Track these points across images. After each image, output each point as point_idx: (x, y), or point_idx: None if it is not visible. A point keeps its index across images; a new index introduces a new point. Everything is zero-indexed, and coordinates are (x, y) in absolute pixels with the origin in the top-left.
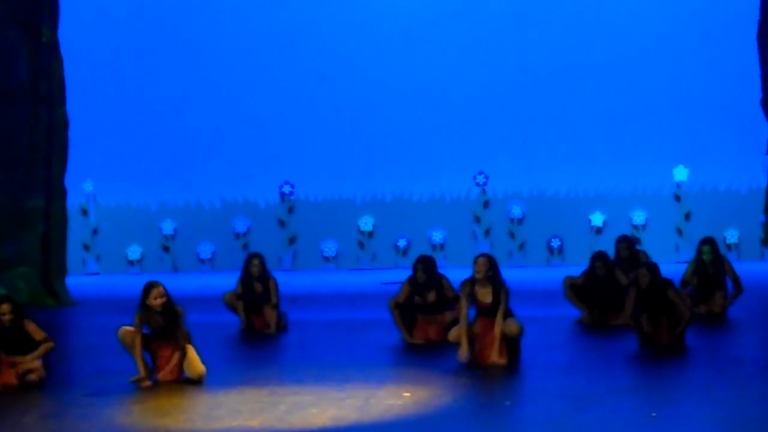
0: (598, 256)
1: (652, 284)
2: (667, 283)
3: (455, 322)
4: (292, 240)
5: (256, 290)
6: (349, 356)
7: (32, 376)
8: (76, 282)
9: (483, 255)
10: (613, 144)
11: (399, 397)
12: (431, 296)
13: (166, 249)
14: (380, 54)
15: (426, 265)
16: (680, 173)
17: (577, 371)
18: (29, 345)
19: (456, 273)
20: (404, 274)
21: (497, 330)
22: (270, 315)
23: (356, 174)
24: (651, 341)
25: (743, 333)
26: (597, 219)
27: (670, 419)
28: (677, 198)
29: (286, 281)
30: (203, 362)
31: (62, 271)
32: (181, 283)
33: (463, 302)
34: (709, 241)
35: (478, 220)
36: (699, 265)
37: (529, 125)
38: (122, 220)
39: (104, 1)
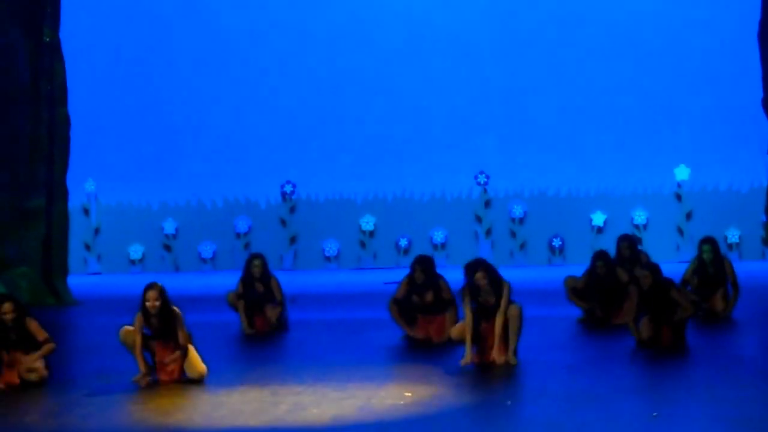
0: (599, 256)
1: (654, 285)
2: (670, 283)
3: (455, 323)
4: (293, 239)
5: (257, 290)
6: (350, 356)
7: (33, 376)
8: (77, 281)
9: (479, 269)
10: (614, 143)
11: (400, 397)
12: (429, 296)
13: (167, 248)
14: (381, 54)
15: (424, 265)
16: (681, 173)
17: (578, 370)
18: (31, 344)
19: (457, 273)
20: (406, 274)
21: (498, 327)
22: (272, 313)
23: (357, 173)
24: (648, 346)
25: (744, 332)
26: (598, 218)
27: (671, 419)
28: (678, 197)
29: (288, 281)
30: (204, 362)
31: (64, 270)
32: (183, 283)
33: (468, 313)
34: (709, 241)
35: (479, 219)
36: (699, 265)
37: (530, 125)
38: (124, 219)
39: (106, 1)
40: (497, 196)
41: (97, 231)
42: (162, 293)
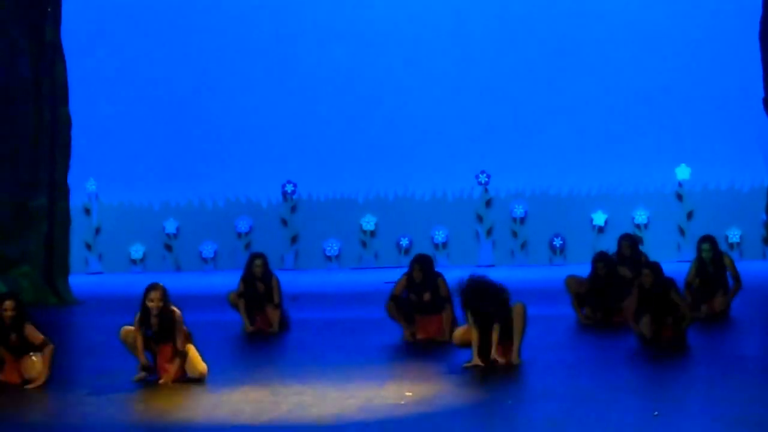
0: (599, 258)
1: (655, 284)
2: (670, 283)
3: (452, 321)
4: (294, 239)
5: (258, 290)
6: (351, 355)
7: (34, 374)
8: (78, 281)
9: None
10: (615, 143)
11: (401, 396)
12: (426, 295)
13: (168, 248)
14: (382, 53)
15: (423, 264)
16: (682, 172)
17: (579, 370)
18: (27, 346)
19: (458, 272)
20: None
21: (495, 332)
22: (272, 314)
23: (359, 173)
24: (650, 342)
25: (745, 331)
26: (599, 218)
27: (672, 418)
28: (679, 197)
29: (289, 280)
30: (205, 361)
31: (65, 270)
32: (184, 282)
33: (474, 332)
34: (708, 239)
35: (480, 219)
36: (700, 264)
37: (532, 124)
38: (125, 219)
39: (107, 1)
40: (498, 195)
41: (98, 230)
42: (164, 294)
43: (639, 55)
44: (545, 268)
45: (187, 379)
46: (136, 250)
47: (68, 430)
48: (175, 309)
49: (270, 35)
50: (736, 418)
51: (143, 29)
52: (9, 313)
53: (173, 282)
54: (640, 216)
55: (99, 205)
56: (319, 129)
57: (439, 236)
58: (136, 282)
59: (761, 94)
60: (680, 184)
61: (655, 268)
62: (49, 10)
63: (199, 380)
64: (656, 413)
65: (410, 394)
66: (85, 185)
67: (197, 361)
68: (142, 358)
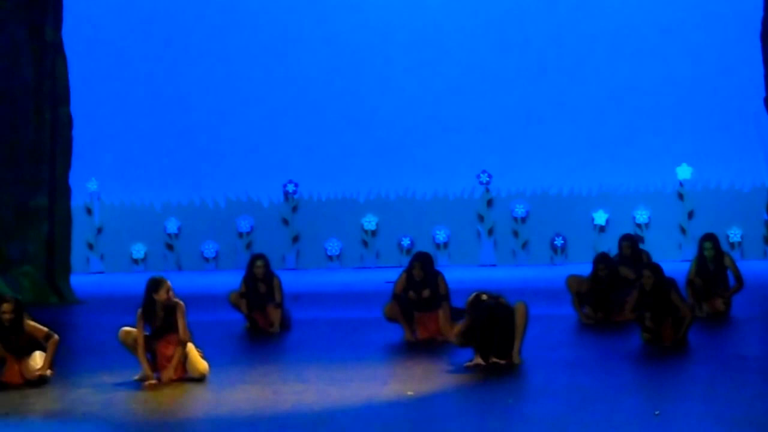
0: (600, 259)
1: (656, 286)
2: (671, 284)
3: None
4: (295, 239)
5: (260, 290)
6: (352, 354)
7: (37, 373)
8: (80, 281)
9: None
10: (616, 142)
11: (402, 395)
12: (426, 293)
13: (170, 248)
14: (384, 53)
15: (423, 263)
16: (683, 171)
17: (580, 369)
18: (30, 345)
19: (459, 272)
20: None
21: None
22: (274, 314)
23: (360, 173)
24: (654, 336)
25: (746, 331)
26: (600, 217)
27: (673, 417)
28: (680, 196)
29: (290, 280)
30: (206, 360)
31: (66, 269)
32: (185, 282)
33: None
34: (710, 237)
35: (481, 218)
36: (701, 263)
37: (533, 124)
38: (126, 218)
39: (108, 1)
40: (499, 195)
41: (99, 230)
42: (170, 286)
43: (640, 54)
44: (546, 268)
45: (188, 379)
46: (138, 250)
47: (69, 429)
48: (178, 301)
49: (272, 35)
50: (737, 418)
51: (144, 29)
52: (8, 316)
53: (174, 281)
54: (641, 215)
55: (100, 205)
56: (321, 129)
57: (441, 236)
58: (137, 281)
59: (762, 93)
60: (681, 184)
61: (656, 269)
62: (50, 9)
63: (200, 379)
64: (657, 412)
65: (411, 393)
66: (86, 185)
67: (198, 361)
68: (144, 360)
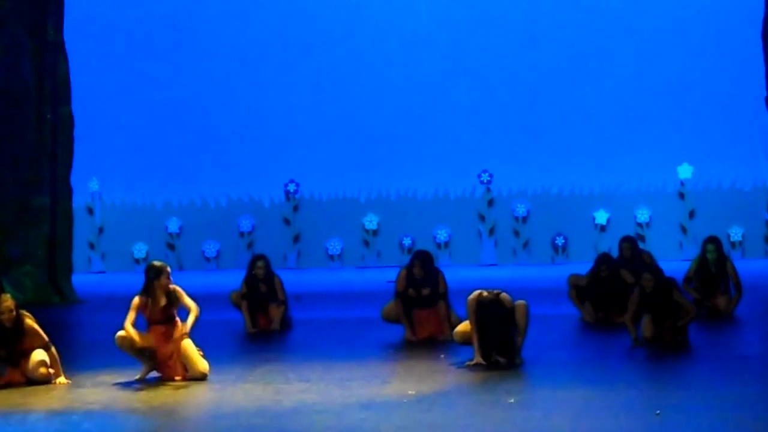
0: (603, 260)
1: (656, 288)
2: (671, 283)
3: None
4: (296, 238)
5: (261, 290)
6: (353, 354)
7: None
8: (81, 280)
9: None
10: (617, 142)
11: (404, 395)
12: (425, 290)
13: (171, 247)
14: (384, 52)
15: (424, 261)
16: (684, 171)
17: (580, 369)
18: (29, 347)
19: (460, 272)
20: (404, 267)
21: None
22: (275, 312)
23: (361, 172)
24: (651, 344)
25: (747, 330)
26: (601, 217)
27: (674, 417)
28: (681, 196)
29: (291, 279)
30: (207, 360)
31: (68, 269)
32: (186, 281)
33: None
34: (714, 240)
35: (482, 218)
36: (702, 264)
37: (534, 124)
38: (128, 218)
39: (109, 0)
40: (500, 194)
41: (101, 230)
42: (170, 272)
43: (641, 54)
44: (547, 267)
45: (188, 378)
46: (139, 250)
47: (71, 428)
48: (175, 286)
49: (272, 34)
50: (738, 417)
51: (146, 28)
52: (6, 316)
53: (176, 281)
54: (642, 215)
55: (102, 205)
56: (322, 128)
57: (442, 235)
58: (138, 281)
59: (763, 92)
60: (682, 183)
61: (656, 271)
62: (51, 9)
63: (200, 379)
64: (658, 412)
65: (413, 392)
66: (87, 184)
67: (198, 360)
68: (144, 360)
